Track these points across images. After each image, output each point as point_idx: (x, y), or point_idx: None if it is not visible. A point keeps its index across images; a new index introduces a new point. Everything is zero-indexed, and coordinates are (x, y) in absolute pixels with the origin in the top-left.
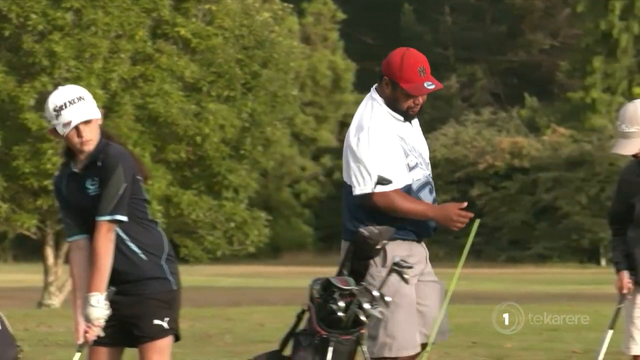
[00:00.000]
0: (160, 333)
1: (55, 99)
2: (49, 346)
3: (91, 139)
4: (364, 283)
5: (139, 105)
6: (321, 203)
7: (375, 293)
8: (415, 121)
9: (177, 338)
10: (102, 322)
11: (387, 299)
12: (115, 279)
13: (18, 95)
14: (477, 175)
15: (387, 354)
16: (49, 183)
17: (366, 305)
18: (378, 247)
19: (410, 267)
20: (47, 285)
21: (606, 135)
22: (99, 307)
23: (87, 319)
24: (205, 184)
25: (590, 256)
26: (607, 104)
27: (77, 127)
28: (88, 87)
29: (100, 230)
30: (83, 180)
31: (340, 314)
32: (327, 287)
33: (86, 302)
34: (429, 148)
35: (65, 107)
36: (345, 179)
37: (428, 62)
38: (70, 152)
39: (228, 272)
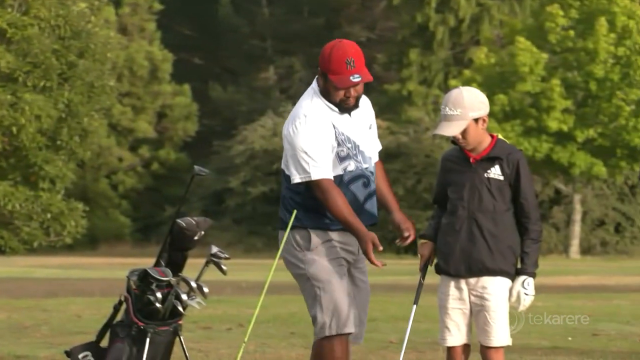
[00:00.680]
0: None
1: None
2: None
3: None
4: (181, 274)
5: None
6: (139, 194)
7: (193, 284)
8: (361, 112)
9: None
10: None
11: (204, 289)
12: None
13: None
14: None
15: (327, 333)
16: None
17: (184, 296)
18: (196, 238)
19: (227, 258)
20: None
21: (422, 127)
22: None
23: None
24: (21, 174)
25: (407, 247)
26: (423, 96)
27: None
28: None
29: None
30: None
31: (157, 305)
32: (144, 278)
33: None
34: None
35: None
36: (283, 167)
37: (361, 54)
38: None
39: (45, 263)
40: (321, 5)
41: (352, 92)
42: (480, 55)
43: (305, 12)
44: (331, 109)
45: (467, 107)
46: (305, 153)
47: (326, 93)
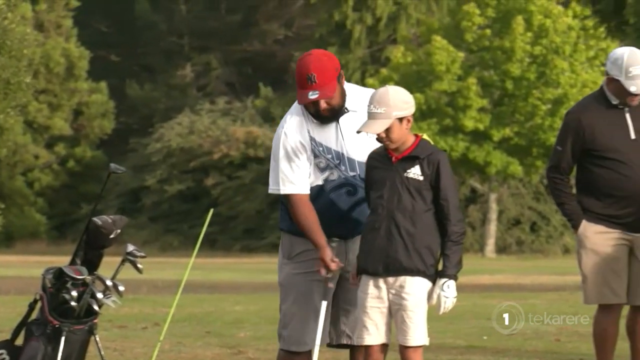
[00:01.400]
0: None
1: None
2: None
3: None
4: (97, 273)
5: None
6: (55, 192)
7: (109, 282)
8: (358, 118)
9: None
10: None
11: (120, 288)
12: None
13: None
14: (212, 165)
15: (281, 346)
16: None
17: (99, 295)
18: (112, 236)
19: (143, 257)
20: None
21: None
22: None
23: None
24: None
25: None
26: None
27: None
28: None
29: None
30: None
31: (73, 303)
32: (60, 277)
33: None
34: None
35: None
36: None
37: (327, 68)
38: None
39: None
40: (238, 3)
41: (322, 105)
42: (397, 54)
43: (222, 9)
44: (312, 120)
45: (392, 106)
46: (279, 167)
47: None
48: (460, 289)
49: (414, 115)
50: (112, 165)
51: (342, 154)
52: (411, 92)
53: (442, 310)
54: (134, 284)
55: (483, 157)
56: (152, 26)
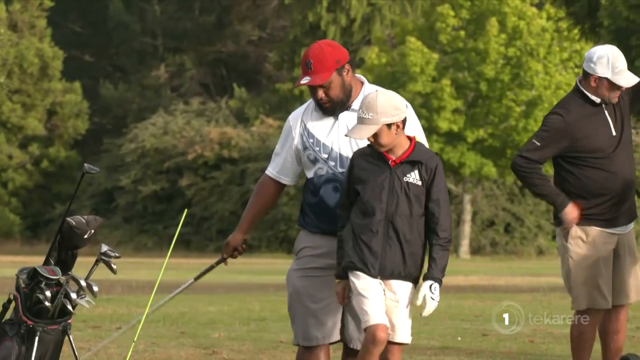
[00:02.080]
0: None
1: None
2: None
3: None
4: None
5: None
6: (28, 192)
7: (83, 283)
8: (347, 117)
9: None
10: None
11: (94, 288)
12: None
13: None
14: (186, 165)
15: (293, 341)
16: None
17: (73, 295)
18: (86, 236)
19: (117, 257)
20: None
21: None
22: None
23: None
24: None
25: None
26: None
27: None
28: None
29: None
30: None
31: (47, 303)
32: (33, 277)
33: None
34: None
35: None
36: None
37: (326, 56)
38: None
39: None
40: (212, 3)
41: (319, 94)
42: (372, 55)
43: (196, 9)
44: (313, 111)
45: (379, 112)
46: (275, 152)
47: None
48: None
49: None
50: (86, 165)
51: (332, 149)
52: None
53: (425, 313)
54: (108, 284)
55: (457, 158)
56: (125, 26)
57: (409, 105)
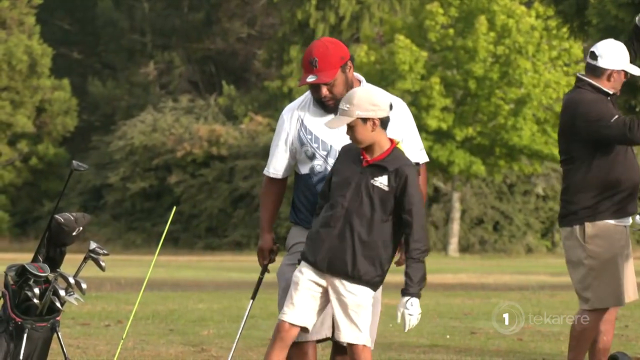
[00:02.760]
0: None
1: None
2: None
3: None
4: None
5: None
6: (17, 189)
7: (71, 280)
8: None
9: None
10: None
11: (83, 285)
12: None
13: None
14: (175, 163)
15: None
16: None
17: (62, 292)
18: (74, 233)
19: (106, 254)
20: None
21: None
22: None
23: None
24: None
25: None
26: (303, 93)
27: None
28: None
29: None
30: None
31: (35, 300)
32: (22, 274)
33: None
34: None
35: None
36: None
37: (332, 54)
38: None
39: None
40: (201, 1)
41: (323, 91)
42: (361, 53)
43: (184, 7)
44: (312, 107)
45: (355, 104)
46: (271, 148)
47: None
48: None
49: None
50: (75, 162)
51: (332, 146)
52: None
53: (407, 328)
54: (97, 281)
55: (446, 157)
56: (114, 24)
57: (404, 106)
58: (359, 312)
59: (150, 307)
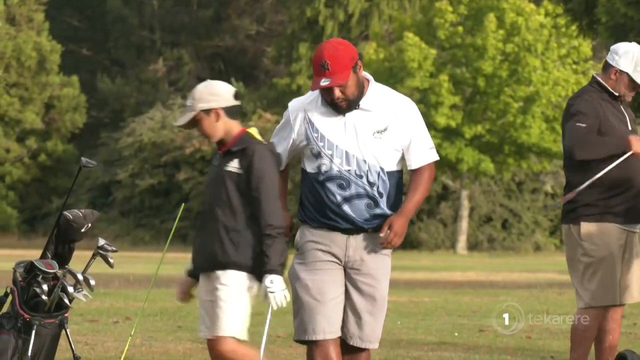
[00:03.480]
0: None
1: None
2: None
3: None
4: (68, 266)
5: None
6: (26, 185)
7: (80, 276)
8: (369, 116)
9: None
10: None
11: (91, 282)
12: None
13: None
14: (183, 160)
15: (293, 337)
16: None
17: (70, 289)
18: (83, 230)
19: (114, 251)
20: None
21: None
22: None
23: None
24: None
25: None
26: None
27: None
28: None
29: None
30: None
31: (43, 297)
32: (31, 270)
33: None
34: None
35: None
36: None
37: (342, 56)
38: None
39: None
40: None
41: (336, 93)
42: (370, 50)
43: (194, 3)
44: (320, 105)
45: (196, 98)
46: (273, 137)
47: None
48: (432, 285)
49: None
50: (84, 159)
51: (338, 146)
52: None
53: (275, 306)
54: (105, 278)
55: (455, 154)
56: (123, 20)
57: (412, 104)
58: (228, 302)
59: (159, 304)
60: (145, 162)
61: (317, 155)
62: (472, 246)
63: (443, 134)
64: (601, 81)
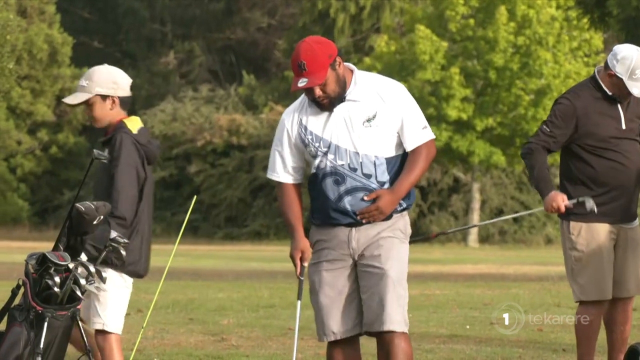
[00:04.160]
0: None
1: None
2: None
3: None
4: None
5: None
6: (37, 178)
7: (92, 269)
8: (354, 106)
9: None
10: None
11: (103, 274)
12: None
13: None
14: (195, 152)
15: (318, 339)
16: None
17: (82, 281)
18: (95, 222)
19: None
20: None
21: None
22: None
23: None
24: None
25: None
26: None
27: None
28: None
29: None
30: None
31: (55, 289)
32: (43, 262)
33: None
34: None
35: None
36: None
37: (319, 55)
38: None
39: None
40: None
41: (316, 92)
42: (381, 43)
43: None
44: (308, 107)
45: (95, 81)
46: (274, 153)
47: None
48: (443, 278)
49: None
50: (96, 151)
51: (331, 142)
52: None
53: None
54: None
55: (466, 147)
56: (134, 13)
57: (401, 87)
58: (107, 297)
59: (170, 296)
60: None
61: (315, 155)
62: (484, 239)
63: (454, 127)
64: (598, 79)
